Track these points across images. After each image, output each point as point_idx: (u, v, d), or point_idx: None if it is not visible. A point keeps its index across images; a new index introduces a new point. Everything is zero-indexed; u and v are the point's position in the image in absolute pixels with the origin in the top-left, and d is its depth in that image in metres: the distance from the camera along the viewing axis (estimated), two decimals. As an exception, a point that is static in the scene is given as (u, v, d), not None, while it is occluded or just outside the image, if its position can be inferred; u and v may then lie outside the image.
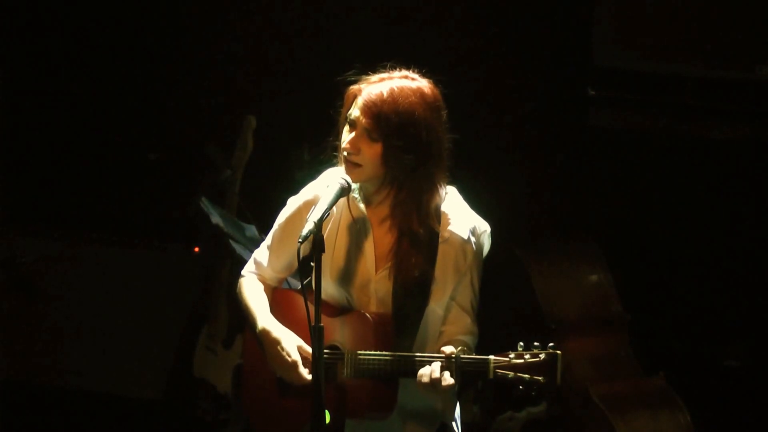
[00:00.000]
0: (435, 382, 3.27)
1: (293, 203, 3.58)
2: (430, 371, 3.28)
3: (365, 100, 3.37)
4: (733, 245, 6.08)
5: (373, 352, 3.36)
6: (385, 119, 3.35)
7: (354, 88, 3.43)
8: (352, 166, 3.40)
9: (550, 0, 6.17)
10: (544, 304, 5.42)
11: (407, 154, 3.37)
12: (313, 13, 6.28)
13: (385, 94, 3.36)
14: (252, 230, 5.52)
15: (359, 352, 3.37)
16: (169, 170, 6.41)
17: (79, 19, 6.42)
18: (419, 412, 3.49)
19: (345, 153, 3.40)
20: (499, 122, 6.25)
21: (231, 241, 5.42)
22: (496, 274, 5.79)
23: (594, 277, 5.57)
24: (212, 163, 5.83)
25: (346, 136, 3.40)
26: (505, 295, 5.70)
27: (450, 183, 3.53)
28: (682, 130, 6.00)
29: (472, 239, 3.47)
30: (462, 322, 3.49)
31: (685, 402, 5.28)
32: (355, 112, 3.39)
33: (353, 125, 3.40)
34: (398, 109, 3.35)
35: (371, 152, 3.38)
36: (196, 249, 6.11)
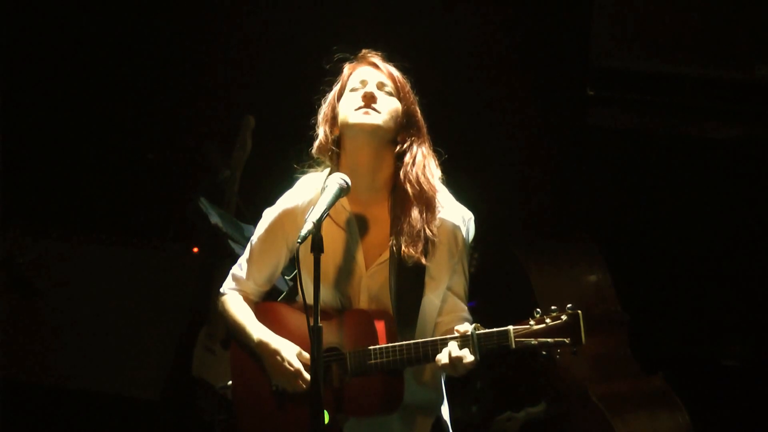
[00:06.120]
0: (455, 362, 3.24)
1: (271, 214, 3.54)
2: (448, 351, 3.25)
3: (375, 61, 3.46)
4: (733, 245, 6.08)
5: (386, 345, 3.33)
6: (397, 77, 3.46)
7: (347, 68, 3.49)
8: (371, 113, 3.37)
9: (550, 0, 6.18)
10: (543, 304, 5.40)
11: (415, 116, 3.44)
12: (314, 12, 6.29)
13: (384, 61, 3.49)
14: (251, 230, 5.46)
15: (370, 347, 3.33)
16: (168, 170, 6.42)
17: (79, 20, 6.43)
18: (417, 406, 3.48)
19: (362, 103, 3.38)
20: (498, 122, 6.25)
21: (230, 241, 5.41)
22: (495, 274, 5.85)
23: (593, 277, 5.57)
24: (211, 163, 5.82)
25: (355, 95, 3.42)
26: (503, 294, 5.71)
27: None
28: (681, 130, 6.01)
29: (462, 225, 3.47)
30: (459, 310, 3.49)
31: (684, 402, 5.28)
32: (362, 75, 3.45)
33: (362, 86, 3.43)
34: (399, 73, 3.49)
35: (389, 103, 3.41)
36: (196, 249, 6.11)
